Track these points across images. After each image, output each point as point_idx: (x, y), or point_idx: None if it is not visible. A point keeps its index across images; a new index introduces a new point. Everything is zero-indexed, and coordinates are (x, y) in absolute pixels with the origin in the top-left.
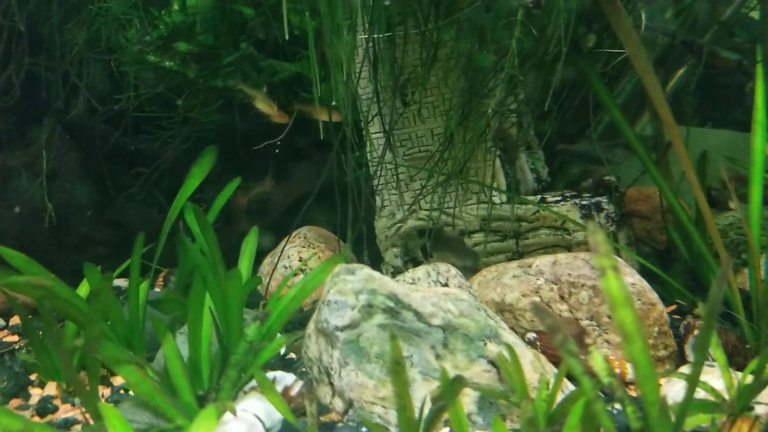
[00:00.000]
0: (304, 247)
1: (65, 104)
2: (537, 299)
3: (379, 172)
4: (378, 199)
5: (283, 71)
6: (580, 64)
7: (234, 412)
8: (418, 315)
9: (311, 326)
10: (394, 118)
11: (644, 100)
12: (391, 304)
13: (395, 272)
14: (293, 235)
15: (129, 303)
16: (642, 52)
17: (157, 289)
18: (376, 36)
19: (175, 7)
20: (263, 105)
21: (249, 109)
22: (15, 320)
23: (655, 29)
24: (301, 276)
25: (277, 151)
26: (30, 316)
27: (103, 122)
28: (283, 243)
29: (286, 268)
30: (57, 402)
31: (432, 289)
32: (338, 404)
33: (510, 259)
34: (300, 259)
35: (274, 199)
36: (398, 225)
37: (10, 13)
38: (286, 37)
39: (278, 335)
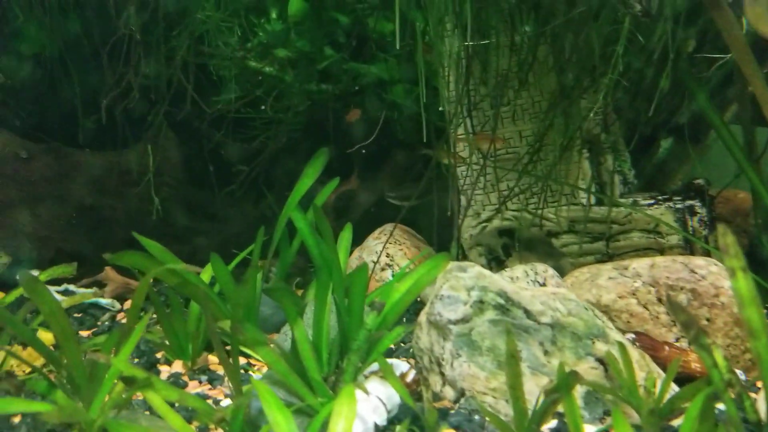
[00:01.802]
0: (390, 243)
1: (171, 106)
2: (634, 301)
3: (465, 173)
4: (463, 198)
5: (367, 75)
6: (681, 70)
7: (367, 393)
8: (528, 312)
9: (422, 318)
10: (482, 121)
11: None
12: (502, 301)
13: None
14: (379, 232)
15: (247, 289)
16: (750, 58)
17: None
18: (467, 42)
19: (273, 15)
20: (446, 159)
21: (335, 111)
22: (129, 304)
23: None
24: (389, 271)
25: (363, 151)
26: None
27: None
28: (370, 240)
29: (374, 263)
30: (185, 378)
31: (540, 289)
32: (449, 393)
33: (599, 261)
34: (387, 255)
35: (359, 197)
36: (483, 225)
37: (129, 23)
38: (397, 46)
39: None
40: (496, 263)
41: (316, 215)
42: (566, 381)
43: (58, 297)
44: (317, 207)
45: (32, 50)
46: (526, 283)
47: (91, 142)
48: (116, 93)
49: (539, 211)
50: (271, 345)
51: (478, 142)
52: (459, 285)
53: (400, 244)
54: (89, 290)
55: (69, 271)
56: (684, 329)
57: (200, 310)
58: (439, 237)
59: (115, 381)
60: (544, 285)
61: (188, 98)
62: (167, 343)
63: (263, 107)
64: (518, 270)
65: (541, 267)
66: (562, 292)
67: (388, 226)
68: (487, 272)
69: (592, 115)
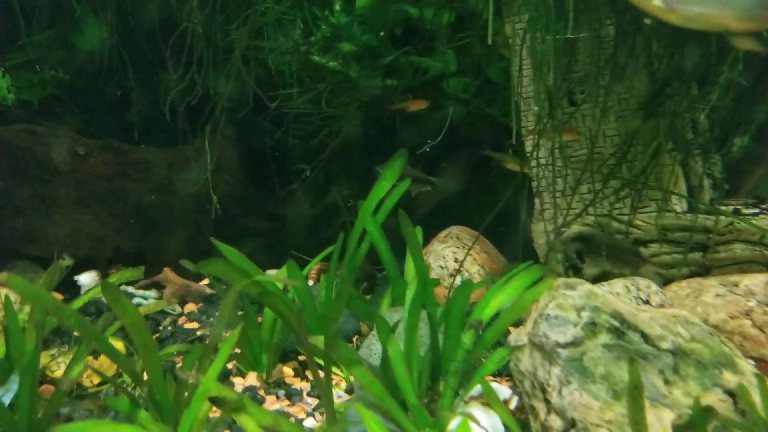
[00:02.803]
0: (458, 247)
1: (231, 102)
2: (748, 322)
3: (540, 174)
4: (537, 201)
5: (431, 69)
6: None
7: (478, 423)
8: (645, 337)
9: (523, 339)
10: (561, 119)
11: None
12: (616, 323)
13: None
14: (444, 235)
15: (341, 303)
16: None
17: (311, 282)
18: (557, 35)
19: (337, 7)
20: (513, 165)
21: (396, 109)
22: (189, 307)
23: None
24: (459, 278)
25: (427, 149)
26: (198, 304)
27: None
28: (436, 243)
29: (442, 268)
30: (261, 393)
31: (659, 310)
32: (556, 422)
33: (695, 274)
34: (455, 260)
35: (421, 196)
36: (561, 230)
37: (192, 16)
38: (489, 42)
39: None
40: (574, 271)
41: (402, 222)
42: (701, 416)
43: None
44: (403, 214)
45: (90, 44)
46: (629, 299)
47: (149, 138)
48: (179, 89)
49: (626, 217)
50: (365, 364)
51: (555, 135)
52: (567, 304)
53: (466, 248)
54: (149, 293)
55: (136, 274)
56: None
57: (274, 317)
58: (509, 241)
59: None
60: (647, 302)
61: (250, 93)
62: (239, 351)
63: (323, 103)
64: (618, 285)
65: (643, 282)
66: (683, 314)
67: (455, 229)
68: (598, 290)
69: (684, 114)
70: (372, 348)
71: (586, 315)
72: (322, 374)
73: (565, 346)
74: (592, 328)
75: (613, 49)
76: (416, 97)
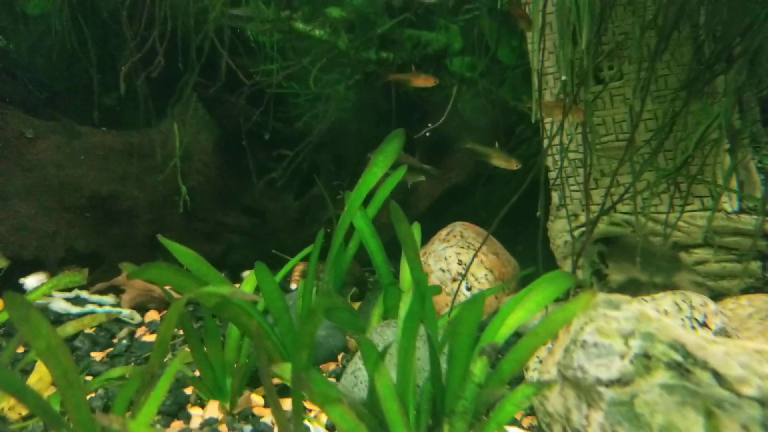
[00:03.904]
0: (462, 247)
1: (202, 76)
2: None
3: (559, 164)
4: (555, 195)
5: (433, 43)
6: None
7: None
8: (720, 378)
9: (552, 371)
10: (588, 99)
11: None
12: (678, 357)
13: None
14: (447, 232)
15: (314, 324)
16: None
17: (293, 285)
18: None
19: None
20: (499, 161)
21: (394, 86)
22: (151, 315)
23: None
24: (465, 286)
25: (427, 134)
26: (162, 312)
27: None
28: (437, 242)
29: (443, 271)
30: (222, 428)
31: (737, 343)
32: None
33: (752, 288)
34: (459, 262)
35: (421, 188)
36: (584, 229)
37: None
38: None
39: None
40: (598, 278)
41: (395, 217)
42: None
43: (68, 307)
44: (396, 207)
45: (39, 9)
46: (680, 321)
47: (109, 119)
48: (137, 59)
49: (663, 217)
50: (345, 402)
51: (553, 111)
52: (610, 329)
53: (472, 249)
54: (106, 298)
55: (78, 279)
56: None
57: (240, 335)
58: (520, 241)
59: None
60: (705, 325)
61: (223, 68)
62: (198, 374)
63: (310, 81)
64: (666, 301)
65: (698, 299)
66: None
67: (458, 226)
68: (651, 312)
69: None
70: (358, 375)
71: (636, 344)
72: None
73: (610, 384)
74: (645, 362)
75: (654, 15)
76: (420, 72)
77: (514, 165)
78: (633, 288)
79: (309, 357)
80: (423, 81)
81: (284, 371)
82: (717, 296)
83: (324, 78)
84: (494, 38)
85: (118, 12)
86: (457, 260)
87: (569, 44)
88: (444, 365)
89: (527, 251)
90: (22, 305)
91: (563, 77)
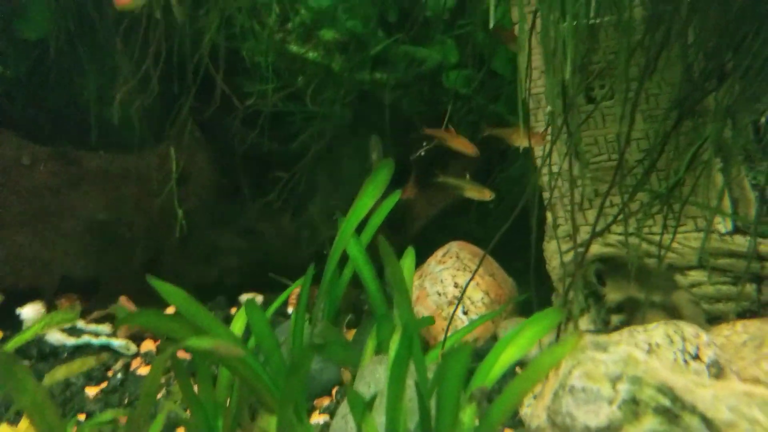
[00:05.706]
0: (458, 269)
1: (198, 100)
2: None
3: (552, 184)
4: (549, 215)
5: (428, 61)
6: None
7: None
8: (709, 423)
9: (541, 416)
10: (578, 120)
11: None
12: (666, 402)
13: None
14: (443, 253)
15: (293, 345)
16: None
17: (291, 309)
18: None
19: None
20: (472, 193)
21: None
22: (147, 345)
23: None
24: (461, 310)
25: (422, 153)
26: (158, 341)
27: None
28: (433, 263)
29: (439, 294)
30: None
31: (725, 385)
32: None
33: (748, 312)
34: (455, 285)
35: (416, 208)
36: (579, 250)
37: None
38: (490, 26)
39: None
40: (595, 300)
41: (384, 254)
42: None
43: (63, 339)
44: (385, 243)
45: (37, 34)
46: (672, 354)
47: (105, 143)
48: (133, 84)
49: (657, 238)
50: None
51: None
52: (598, 373)
53: (469, 270)
54: (102, 327)
55: (71, 317)
56: None
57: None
58: (518, 258)
59: None
60: (697, 357)
61: (218, 90)
62: (189, 414)
63: (307, 101)
64: (658, 333)
65: (690, 330)
66: (760, 393)
67: (455, 246)
68: (639, 354)
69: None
70: (348, 420)
71: (624, 389)
72: None
73: (598, 431)
74: (634, 407)
75: (642, 36)
76: (458, 133)
77: (487, 196)
78: (631, 307)
79: (297, 407)
80: (460, 144)
81: (270, 426)
82: (713, 319)
83: (318, 98)
84: (489, 51)
85: (114, 36)
86: (453, 282)
87: (554, 74)
88: (434, 411)
89: (527, 267)
90: (6, 360)
91: (548, 108)
